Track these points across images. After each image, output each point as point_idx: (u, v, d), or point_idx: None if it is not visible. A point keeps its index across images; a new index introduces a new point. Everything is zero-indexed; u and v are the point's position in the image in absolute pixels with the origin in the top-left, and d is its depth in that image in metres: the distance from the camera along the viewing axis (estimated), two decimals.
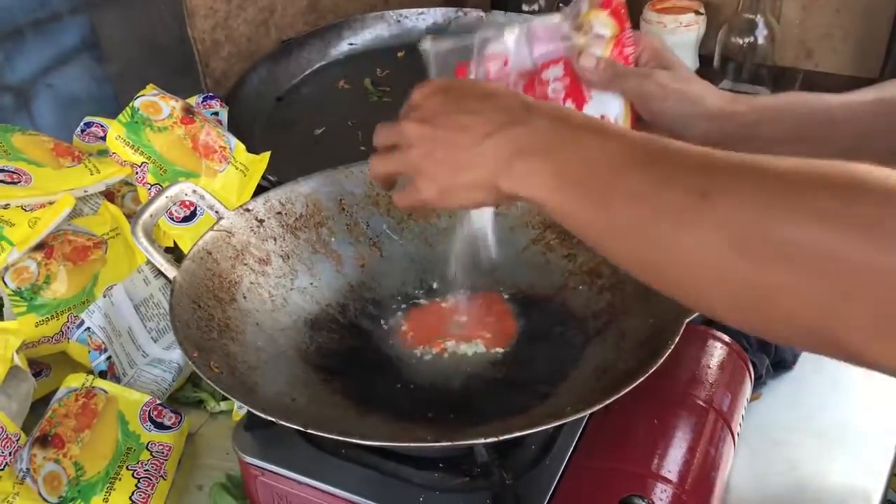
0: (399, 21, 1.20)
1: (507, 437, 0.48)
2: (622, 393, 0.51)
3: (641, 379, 0.52)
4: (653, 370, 0.53)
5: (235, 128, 0.96)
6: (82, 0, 1.10)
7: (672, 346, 0.55)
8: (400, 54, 1.18)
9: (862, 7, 1.06)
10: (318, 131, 1.03)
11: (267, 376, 0.60)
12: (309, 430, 0.48)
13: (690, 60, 1.16)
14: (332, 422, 0.55)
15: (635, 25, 1.17)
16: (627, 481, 0.56)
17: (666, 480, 0.56)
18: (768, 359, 0.77)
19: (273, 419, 0.49)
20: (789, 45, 1.13)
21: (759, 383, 0.75)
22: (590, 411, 0.50)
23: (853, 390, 0.77)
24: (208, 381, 0.52)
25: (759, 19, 1.08)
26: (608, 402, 0.50)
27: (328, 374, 0.64)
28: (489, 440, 0.47)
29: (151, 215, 0.63)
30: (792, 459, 0.69)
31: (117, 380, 0.74)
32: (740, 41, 1.10)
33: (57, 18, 1.21)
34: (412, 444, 0.53)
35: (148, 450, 0.67)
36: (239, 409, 0.73)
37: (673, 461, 0.58)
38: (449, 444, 0.48)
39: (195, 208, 0.79)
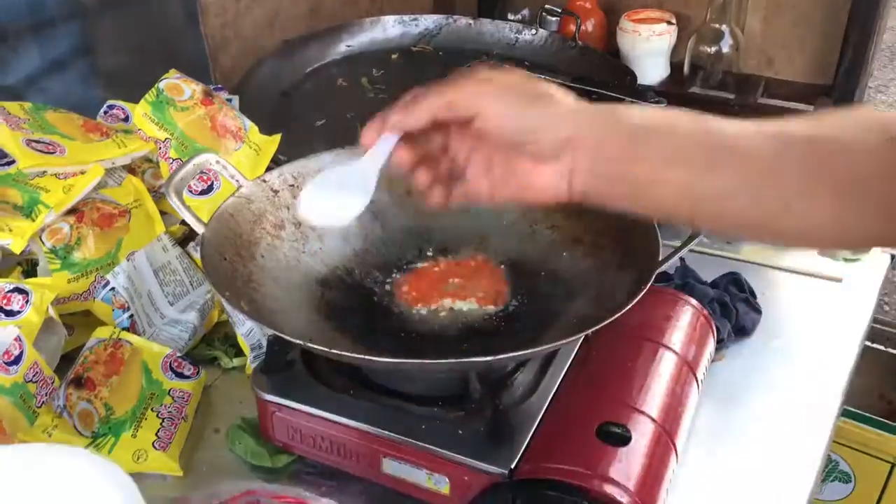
0: (393, 26, 1.29)
1: (500, 356, 0.55)
2: (599, 326, 0.59)
3: (618, 315, 0.60)
4: (628, 307, 0.61)
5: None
6: (77, 6, 1.17)
7: (644, 289, 0.63)
8: (394, 56, 1.26)
9: (816, 20, 1.17)
10: (320, 123, 1.11)
11: (287, 320, 0.67)
12: (333, 351, 0.55)
13: (663, 67, 1.26)
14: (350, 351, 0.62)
15: (612, 34, 1.28)
16: (605, 409, 0.64)
17: (639, 410, 0.64)
18: (730, 324, 0.85)
19: (301, 342, 0.56)
20: (752, 54, 1.23)
21: (721, 346, 0.83)
22: (568, 340, 0.58)
23: (806, 354, 0.85)
24: (243, 314, 0.59)
25: (725, 29, 1.18)
26: (586, 332, 0.58)
27: (339, 324, 0.71)
28: (487, 358, 0.55)
29: (182, 178, 0.70)
30: (747, 414, 0.78)
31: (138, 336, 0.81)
32: (708, 49, 1.20)
33: (51, 23, 1.27)
34: (423, 361, 0.60)
35: (170, 395, 0.74)
36: (252, 364, 0.80)
37: (645, 395, 0.66)
38: (454, 360, 0.56)
39: (212, 183, 0.86)
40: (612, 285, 0.71)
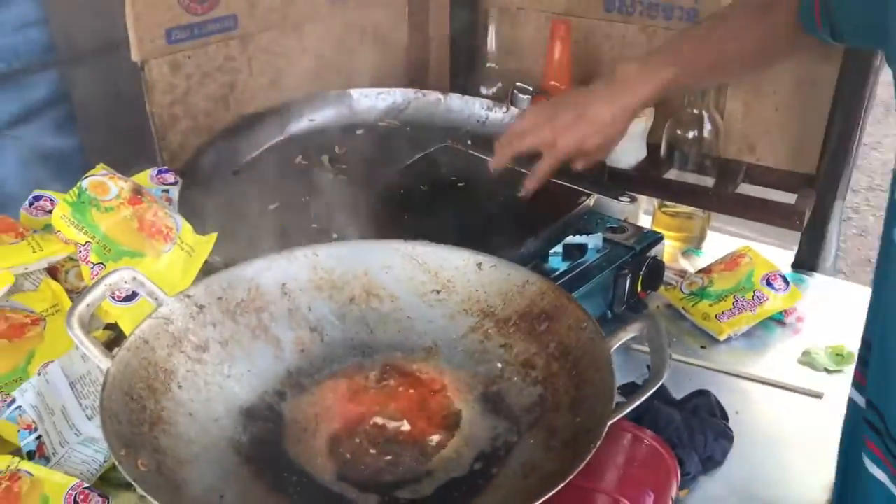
0: (360, 100, 1.23)
1: None
2: (543, 499, 0.52)
3: (562, 485, 0.53)
4: (574, 474, 0.54)
5: (189, 200, 0.96)
6: (54, 56, 1.11)
7: (594, 449, 0.56)
8: (359, 132, 1.21)
9: (798, 107, 1.12)
10: (273, 206, 1.04)
11: (196, 471, 0.60)
12: None
13: (638, 149, 1.20)
14: None
15: None
16: None
17: None
18: (697, 455, 0.78)
19: None
20: (733, 139, 1.18)
21: (687, 479, 0.76)
22: None
23: (779, 485, 0.78)
24: (132, 482, 0.52)
25: (705, 114, 1.13)
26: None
27: (260, 467, 0.64)
28: None
29: (88, 305, 0.63)
30: None
31: (46, 460, 0.73)
32: (687, 134, 1.15)
33: (28, 72, 1.22)
34: None
35: None
36: None
37: None
38: None
39: None
40: (562, 428, 0.64)
